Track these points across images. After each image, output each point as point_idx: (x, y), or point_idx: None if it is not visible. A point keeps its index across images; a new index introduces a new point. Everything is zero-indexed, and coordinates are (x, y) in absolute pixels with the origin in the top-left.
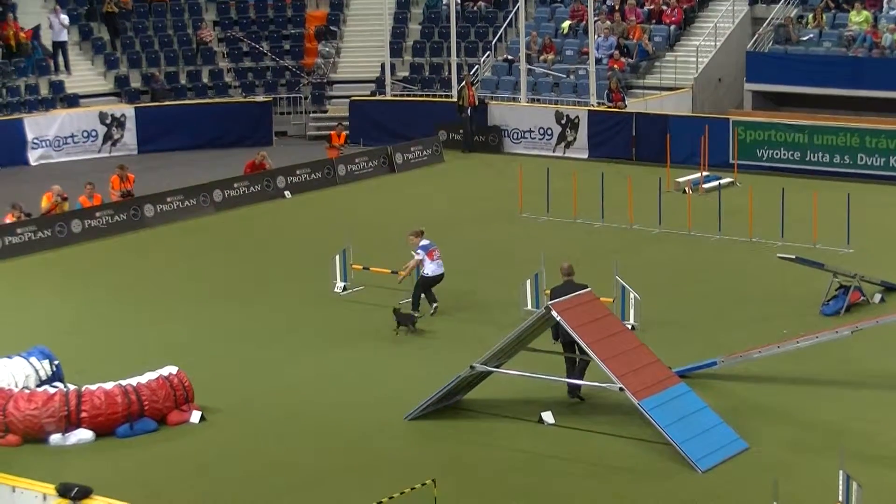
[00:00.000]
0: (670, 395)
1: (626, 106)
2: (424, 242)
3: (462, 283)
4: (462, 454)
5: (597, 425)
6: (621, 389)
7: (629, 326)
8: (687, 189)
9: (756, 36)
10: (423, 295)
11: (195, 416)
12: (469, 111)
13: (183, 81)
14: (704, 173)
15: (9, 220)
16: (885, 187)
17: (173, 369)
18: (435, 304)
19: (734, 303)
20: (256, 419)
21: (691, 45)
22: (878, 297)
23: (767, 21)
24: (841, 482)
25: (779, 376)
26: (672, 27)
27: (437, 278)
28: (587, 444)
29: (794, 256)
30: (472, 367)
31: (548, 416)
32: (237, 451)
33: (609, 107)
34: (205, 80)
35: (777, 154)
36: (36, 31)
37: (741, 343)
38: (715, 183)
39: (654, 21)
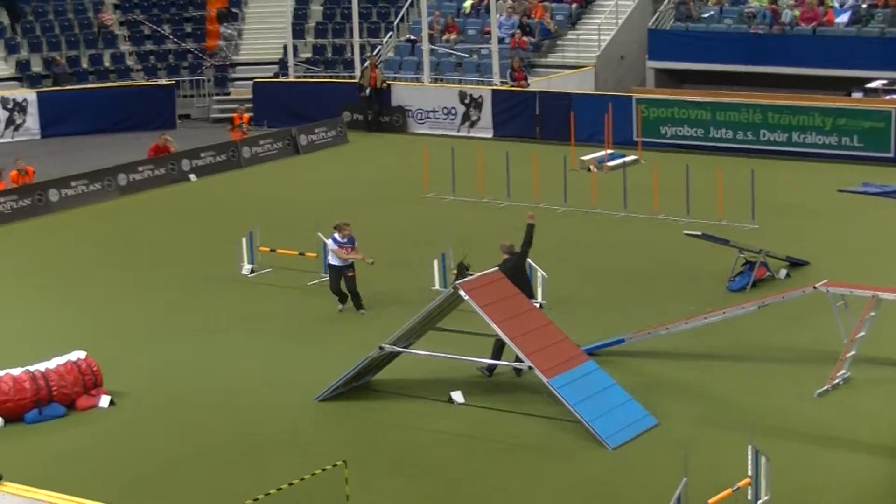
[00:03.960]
0: (579, 373)
1: (528, 85)
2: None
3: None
4: (373, 435)
5: (506, 404)
6: (530, 368)
7: (537, 305)
8: (591, 167)
9: (657, 13)
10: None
11: (104, 401)
12: (369, 91)
13: (85, 65)
14: (608, 151)
15: None
16: (788, 163)
17: (81, 354)
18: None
19: (641, 280)
20: (165, 402)
21: (593, 23)
22: (783, 272)
23: None
24: (750, 456)
25: (686, 352)
26: (574, 6)
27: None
28: (497, 423)
29: (699, 233)
30: (381, 348)
31: (457, 396)
32: (146, 435)
33: (512, 86)
34: (106, 63)
35: (680, 131)
36: None
37: (649, 320)
38: (619, 160)
39: None
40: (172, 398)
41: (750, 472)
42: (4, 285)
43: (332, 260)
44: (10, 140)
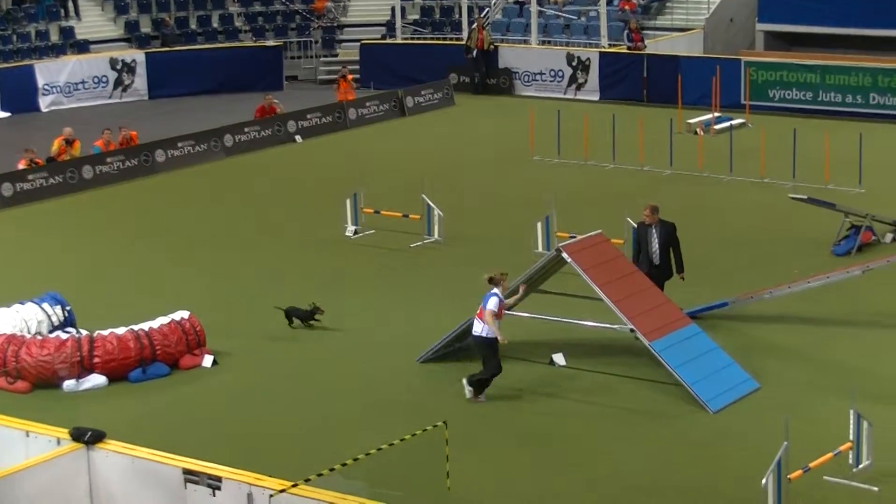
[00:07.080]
0: (681, 337)
1: (646, 47)
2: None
3: (474, 226)
4: None
5: (608, 367)
6: (632, 331)
7: None
8: (698, 130)
9: None
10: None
11: (207, 361)
12: (476, 53)
13: (193, 26)
14: (716, 114)
15: (22, 165)
16: None
17: (185, 314)
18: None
19: (745, 243)
20: (268, 363)
21: None
22: (889, 236)
23: None
24: (852, 421)
25: (790, 316)
26: None
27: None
28: (599, 386)
29: (805, 197)
30: None
31: (559, 358)
32: (249, 395)
33: (630, 48)
34: (215, 24)
35: (789, 94)
36: None
37: (752, 284)
38: (726, 124)
39: None
40: (275, 358)
41: (851, 437)
42: (110, 245)
43: (484, 331)
44: (118, 101)
